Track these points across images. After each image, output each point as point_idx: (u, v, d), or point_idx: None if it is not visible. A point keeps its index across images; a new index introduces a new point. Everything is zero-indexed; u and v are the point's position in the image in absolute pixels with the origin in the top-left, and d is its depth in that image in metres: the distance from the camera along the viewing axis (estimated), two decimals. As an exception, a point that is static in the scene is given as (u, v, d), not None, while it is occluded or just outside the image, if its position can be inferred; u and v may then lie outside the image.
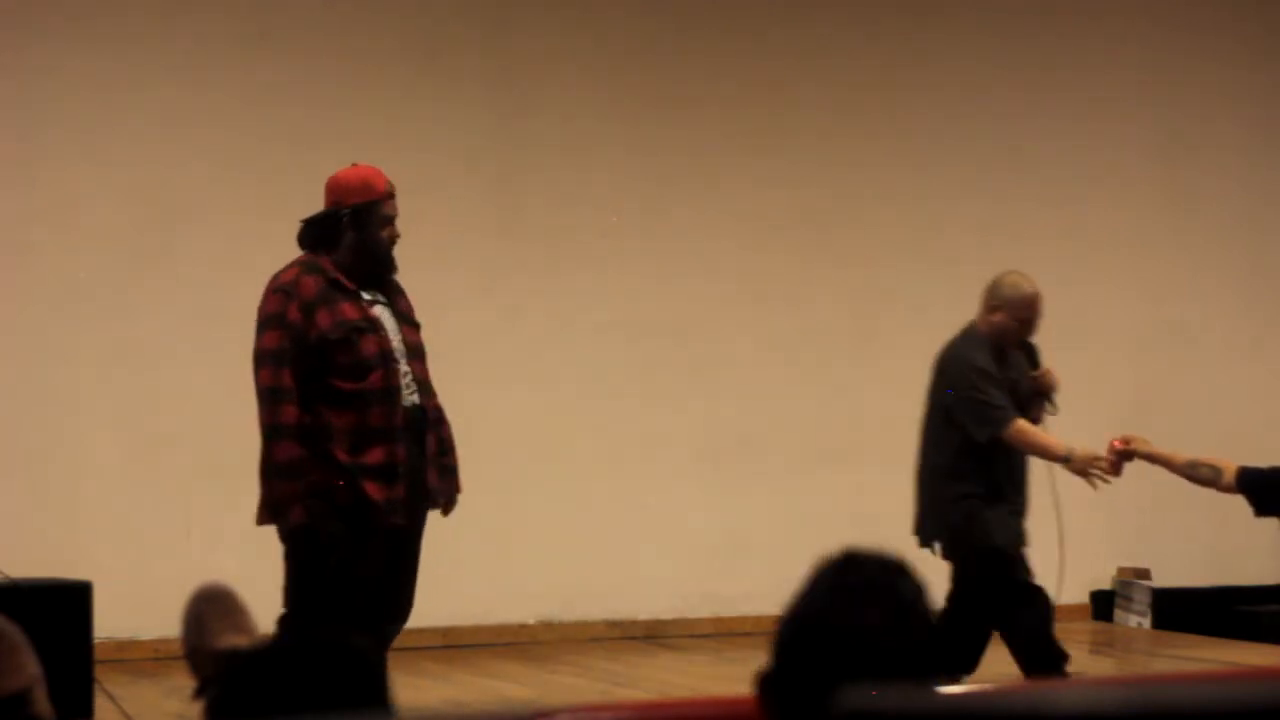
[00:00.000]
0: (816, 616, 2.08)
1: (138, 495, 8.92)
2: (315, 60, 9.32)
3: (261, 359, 5.97)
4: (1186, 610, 10.04)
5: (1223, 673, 7.27)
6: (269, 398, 5.93)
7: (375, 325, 6.06)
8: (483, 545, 9.41)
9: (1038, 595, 7.04)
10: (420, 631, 8.90)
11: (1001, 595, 7.05)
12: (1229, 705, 1.42)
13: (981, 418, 7.03)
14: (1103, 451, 6.94)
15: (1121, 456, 6.90)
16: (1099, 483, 6.99)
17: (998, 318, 7.16)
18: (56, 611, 7.02)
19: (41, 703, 3.46)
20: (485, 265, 9.57)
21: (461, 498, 9.30)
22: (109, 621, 7.74)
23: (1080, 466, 6.96)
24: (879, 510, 9.92)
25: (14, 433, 8.76)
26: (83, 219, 8.92)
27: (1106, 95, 10.72)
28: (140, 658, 8.56)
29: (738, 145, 10.00)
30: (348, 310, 6.02)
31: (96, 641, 7.32)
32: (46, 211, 8.87)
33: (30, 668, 3.50)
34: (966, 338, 7.26)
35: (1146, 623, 10.07)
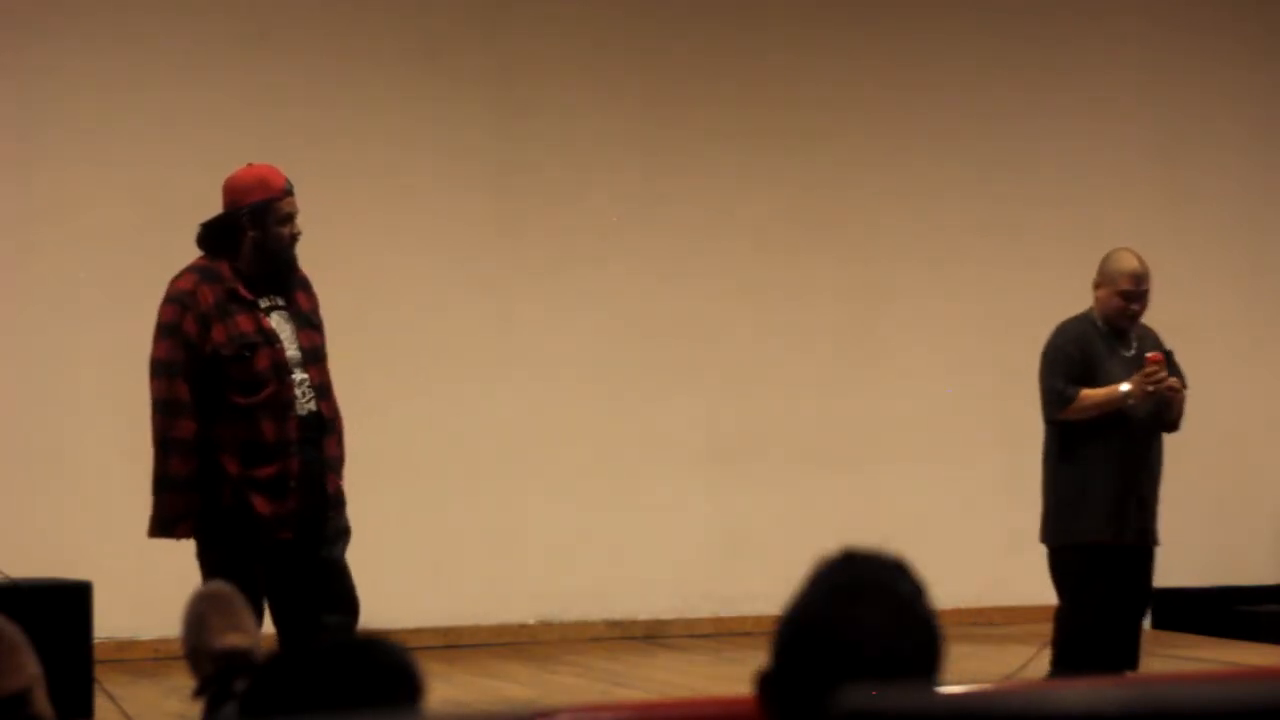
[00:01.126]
0: (815, 617, 2.07)
1: (138, 495, 8.89)
2: (315, 60, 9.32)
3: (155, 369, 5.93)
4: (1186, 610, 10.04)
5: (1223, 673, 7.27)
6: (163, 410, 5.90)
7: (270, 338, 5.97)
8: (483, 545, 9.42)
9: (1090, 600, 7.05)
10: (420, 631, 8.91)
11: (1060, 590, 7.12)
12: (1229, 705, 1.42)
13: (1043, 402, 7.09)
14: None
15: (1162, 365, 6.99)
16: (1168, 385, 7.04)
17: (1100, 293, 7.15)
18: (56, 611, 7.01)
19: (41, 703, 3.46)
20: (485, 264, 9.58)
21: (462, 498, 9.36)
22: (109, 621, 7.74)
23: (1139, 388, 6.98)
24: (879, 509, 9.95)
25: (14, 433, 8.76)
26: (83, 219, 8.92)
27: (1106, 95, 10.72)
28: (140, 658, 8.56)
29: (738, 145, 10.00)
30: (243, 323, 5.94)
31: (96, 641, 7.32)
32: (46, 211, 8.87)
33: (30, 668, 3.50)
34: (1075, 317, 7.24)
35: (1146, 623, 10.07)
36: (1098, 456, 7.05)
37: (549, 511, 9.55)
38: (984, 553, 10.02)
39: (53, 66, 8.90)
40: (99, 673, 7.25)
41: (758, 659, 2.14)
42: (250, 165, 6.25)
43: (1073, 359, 7.07)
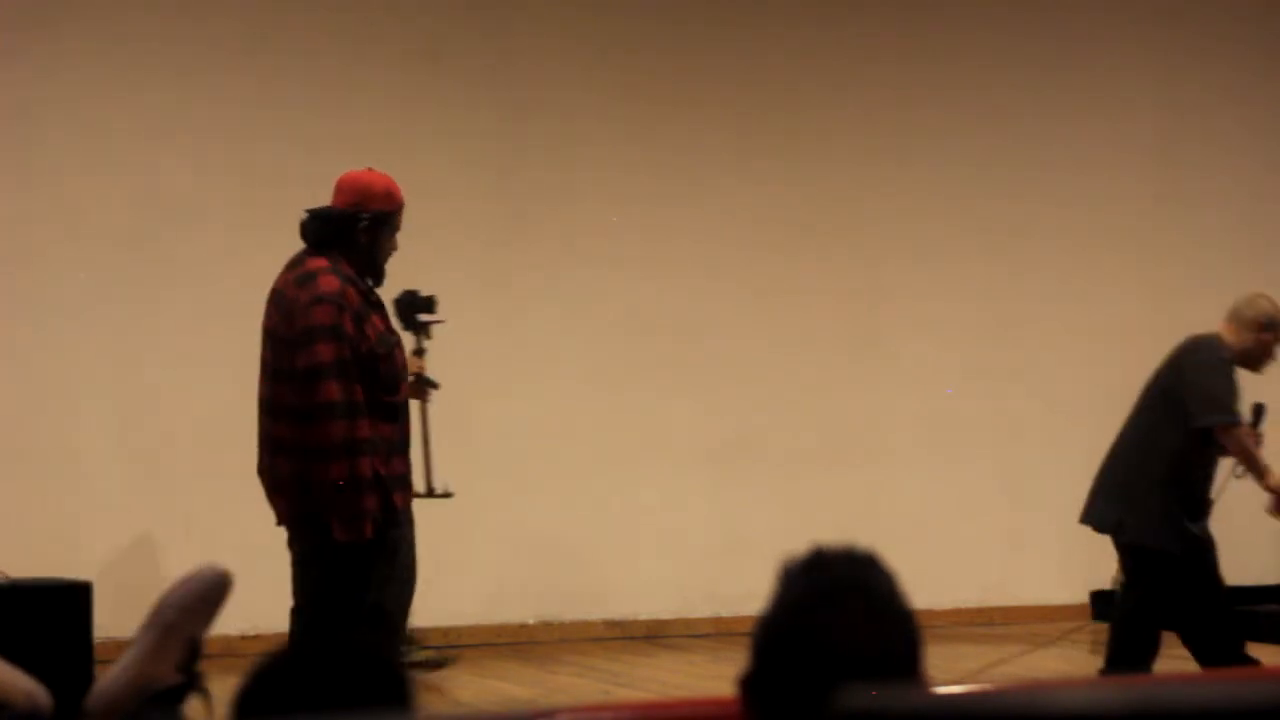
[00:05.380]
0: (795, 620, 2.07)
1: (138, 495, 8.92)
2: (315, 61, 9.32)
3: (327, 371, 5.77)
4: (1186, 610, 10.03)
5: (1223, 673, 7.27)
6: (346, 412, 5.77)
7: (397, 338, 6.06)
8: (483, 545, 9.42)
9: (1164, 603, 7.06)
10: (420, 631, 8.91)
11: (1137, 588, 7.12)
12: (1229, 705, 1.42)
13: (1213, 407, 7.01)
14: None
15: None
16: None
17: (1261, 335, 7.17)
18: (56, 611, 7.01)
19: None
20: (486, 265, 9.58)
21: (462, 498, 9.34)
22: (109, 621, 7.73)
23: (1276, 487, 7.07)
24: (879, 509, 9.95)
25: (14, 433, 8.76)
26: (83, 220, 8.92)
27: (1107, 95, 10.72)
28: (140, 658, 8.55)
29: (738, 145, 10.00)
30: (379, 322, 5.96)
31: (96, 641, 7.31)
32: (46, 212, 8.87)
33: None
34: (1212, 337, 7.21)
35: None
36: (1201, 476, 7.08)
37: (549, 511, 9.55)
38: (984, 553, 10.02)
39: (53, 67, 8.90)
40: (99, 673, 7.24)
41: (757, 659, 2.14)
42: (371, 170, 6.18)
43: (1234, 379, 7.10)
